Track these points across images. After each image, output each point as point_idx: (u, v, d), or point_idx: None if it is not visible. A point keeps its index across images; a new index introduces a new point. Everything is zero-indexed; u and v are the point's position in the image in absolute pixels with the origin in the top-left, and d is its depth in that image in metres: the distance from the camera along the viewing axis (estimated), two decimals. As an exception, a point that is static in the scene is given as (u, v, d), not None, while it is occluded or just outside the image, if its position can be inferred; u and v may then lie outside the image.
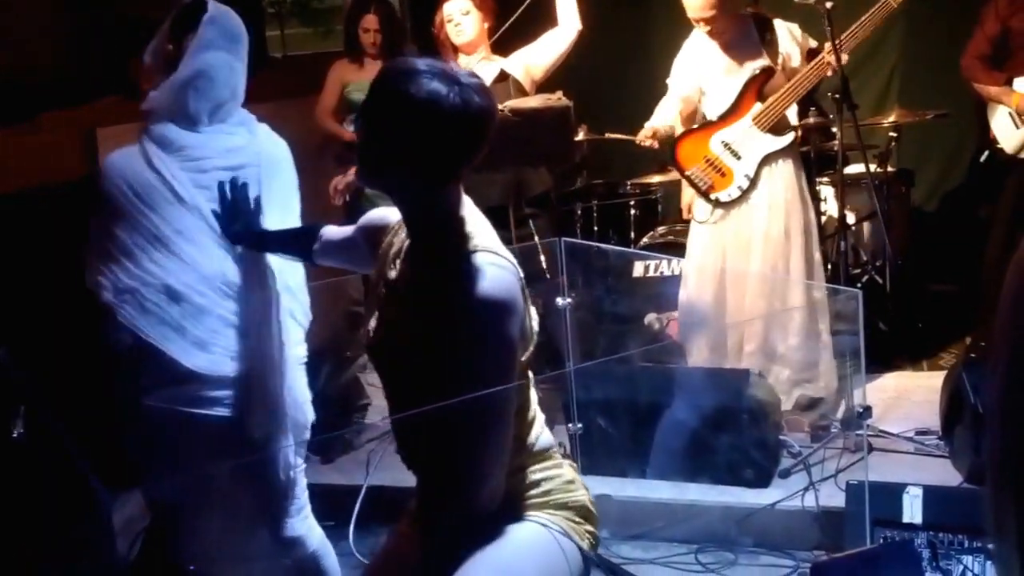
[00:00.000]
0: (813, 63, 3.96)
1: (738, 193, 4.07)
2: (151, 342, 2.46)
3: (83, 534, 2.67)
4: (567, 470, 2.14)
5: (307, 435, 2.78)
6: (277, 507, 2.69)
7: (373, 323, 2.11)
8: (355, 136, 2.14)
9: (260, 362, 2.57)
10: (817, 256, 4.15)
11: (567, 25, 4.02)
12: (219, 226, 2.52)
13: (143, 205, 2.47)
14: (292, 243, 2.57)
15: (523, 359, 2.00)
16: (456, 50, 4.14)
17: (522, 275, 2.01)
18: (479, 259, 1.93)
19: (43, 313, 3.07)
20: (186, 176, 2.50)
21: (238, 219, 2.52)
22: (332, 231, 2.43)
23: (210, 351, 2.51)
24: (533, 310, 2.06)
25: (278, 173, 2.65)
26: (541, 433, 2.12)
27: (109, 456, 2.70)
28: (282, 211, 2.64)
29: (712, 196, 4.10)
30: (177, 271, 2.48)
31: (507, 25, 3.94)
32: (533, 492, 2.07)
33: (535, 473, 2.08)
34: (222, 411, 2.54)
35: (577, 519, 2.10)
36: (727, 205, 4.10)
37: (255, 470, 2.63)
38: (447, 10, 4.07)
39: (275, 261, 2.61)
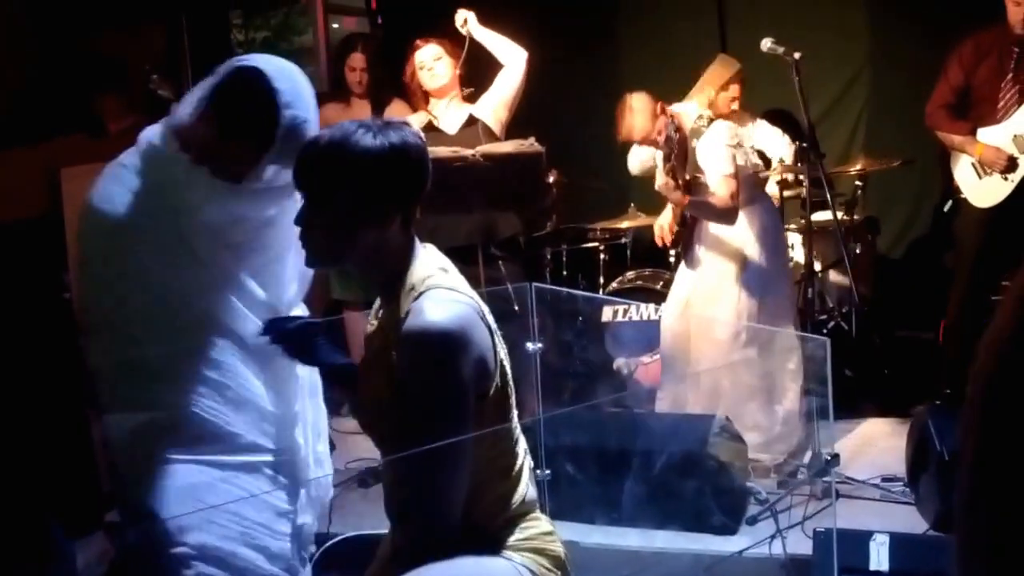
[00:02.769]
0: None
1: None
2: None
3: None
4: (545, 523, 2.15)
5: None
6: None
7: (361, 380, 2.14)
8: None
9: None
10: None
11: (512, 60, 4.08)
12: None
13: None
14: None
15: (491, 394, 1.99)
16: (427, 97, 4.17)
17: (484, 309, 2.00)
18: (431, 296, 1.93)
19: (10, 353, 3.01)
20: None
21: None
22: None
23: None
24: (501, 344, 2.05)
25: None
26: (528, 490, 2.12)
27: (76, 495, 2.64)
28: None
29: None
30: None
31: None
32: (512, 537, 2.07)
33: (517, 522, 2.09)
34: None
35: (550, 567, 2.09)
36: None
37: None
38: (420, 57, 4.11)
39: None
